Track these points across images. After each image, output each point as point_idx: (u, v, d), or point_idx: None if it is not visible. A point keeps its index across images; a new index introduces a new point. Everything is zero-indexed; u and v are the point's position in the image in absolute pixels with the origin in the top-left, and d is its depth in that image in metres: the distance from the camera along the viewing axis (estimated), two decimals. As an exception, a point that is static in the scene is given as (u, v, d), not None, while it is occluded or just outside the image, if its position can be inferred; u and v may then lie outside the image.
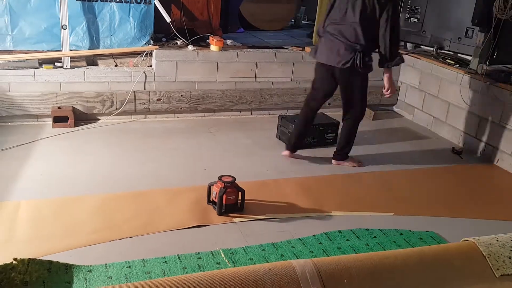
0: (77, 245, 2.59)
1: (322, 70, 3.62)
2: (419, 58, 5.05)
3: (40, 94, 4.14)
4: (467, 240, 1.99)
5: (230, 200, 2.99)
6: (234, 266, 2.49)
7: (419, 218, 3.20)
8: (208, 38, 4.77)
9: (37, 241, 2.60)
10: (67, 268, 2.35)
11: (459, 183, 3.80)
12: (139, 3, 4.40)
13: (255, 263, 2.51)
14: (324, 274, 1.66)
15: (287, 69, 4.90)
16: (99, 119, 4.40)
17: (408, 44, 5.46)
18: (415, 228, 3.04)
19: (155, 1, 4.47)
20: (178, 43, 4.71)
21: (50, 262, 2.35)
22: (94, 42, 4.36)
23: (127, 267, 2.42)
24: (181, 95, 4.57)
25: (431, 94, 4.92)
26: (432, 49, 5.02)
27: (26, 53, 4.15)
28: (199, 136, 4.28)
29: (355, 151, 4.24)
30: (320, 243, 2.79)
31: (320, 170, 3.79)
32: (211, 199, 3.09)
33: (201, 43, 4.81)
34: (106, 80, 4.34)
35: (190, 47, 4.61)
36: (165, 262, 2.49)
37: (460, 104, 4.53)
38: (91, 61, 4.47)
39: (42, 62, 4.23)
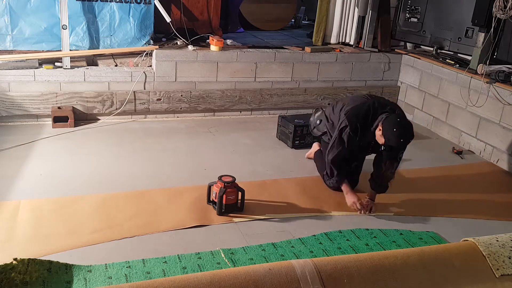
0: (77, 245, 2.59)
1: None
2: (419, 58, 5.05)
3: (40, 94, 4.14)
4: (467, 240, 1.99)
5: (230, 200, 2.99)
6: (234, 266, 2.49)
7: (419, 218, 3.20)
8: (208, 38, 4.77)
9: (37, 241, 2.60)
10: (67, 268, 2.35)
11: (459, 183, 3.80)
12: (139, 3, 4.40)
13: (255, 263, 2.51)
14: (324, 274, 1.66)
15: (287, 69, 4.90)
16: (99, 119, 4.40)
17: (408, 44, 5.47)
18: (415, 228, 3.04)
19: (155, 1, 4.47)
20: (178, 43, 4.71)
21: (50, 262, 2.35)
22: (94, 42, 4.36)
23: (127, 267, 2.42)
24: (181, 95, 4.57)
25: (431, 94, 4.92)
26: (432, 49, 5.02)
27: (26, 53, 4.15)
28: (199, 136, 4.28)
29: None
30: (320, 243, 2.79)
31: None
32: (211, 199, 3.09)
33: (201, 43, 4.81)
34: (106, 80, 4.34)
35: (190, 47, 4.61)
36: (165, 262, 2.49)
37: (460, 104, 4.53)
38: (91, 61, 4.47)
39: (42, 62, 4.23)
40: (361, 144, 3.18)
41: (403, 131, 2.91)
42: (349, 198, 3.19)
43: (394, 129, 2.89)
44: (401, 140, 2.92)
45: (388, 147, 3.03)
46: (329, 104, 3.50)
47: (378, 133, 2.98)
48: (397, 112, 3.06)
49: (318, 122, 3.47)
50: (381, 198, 3.40)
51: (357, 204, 3.14)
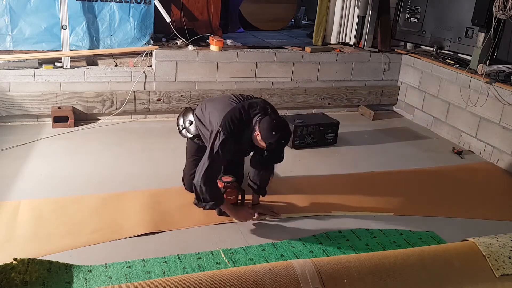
0: (77, 245, 2.59)
1: None
2: (419, 58, 5.05)
3: (40, 94, 4.14)
4: (467, 240, 1.99)
5: (230, 200, 2.99)
6: (234, 266, 2.49)
7: (419, 218, 3.19)
8: (208, 38, 4.77)
9: (37, 241, 2.60)
10: (67, 268, 2.35)
11: (459, 183, 3.80)
12: (139, 3, 4.40)
13: (255, 263, 2.51)
14: (324, 274, 1.66)
15: (287, 69, 4.90)
16: (99, 119, 4.40)
17: (408, 44, 5.47)
18: (415, 228, 3.04)
19: (155, 1, 4.47)
20: (178, 43, 4.71)
21: (50, 262, 2.35)
22: (94, 42, 4.36)
23: (127, 267, 2.42)
24: (181, 95, 4.57)
25: (431, 94, 4.92)
26: (432, 49, 5.03)
27: (26, 53, 4.15)
28: (199, 136, 4.28)
29: (355, 151, 4.25)
30: (320, 243, 2.79)
31: (320, 170, 3.79)
32: (211, 199, 3.08)
33: (201, 43, 4.81)
34: (106, 80, 4.34)
35: (190, 47, 4.61)
36: (165, 262, 2.49)
37: (460, 104, 4.53)
38: (91, 61, 4.47)
39: (42, 62, 4.23)
40: (237, 150, 2.93)
41: (283, 132, 2.72)
42: (241, 214, 2.96)
43: (274, 132, 2.69)
44: (283, 142, 2.74)
45: (271, 150, 2.83)
46: (197, 105, 3.19)
47: (258, 138, 2.75)
48: (269, 112, 2.82)
49: (188, 123, 3.19)
50: (381, 198, 3.41)
51: (254, 214, 2.96)
